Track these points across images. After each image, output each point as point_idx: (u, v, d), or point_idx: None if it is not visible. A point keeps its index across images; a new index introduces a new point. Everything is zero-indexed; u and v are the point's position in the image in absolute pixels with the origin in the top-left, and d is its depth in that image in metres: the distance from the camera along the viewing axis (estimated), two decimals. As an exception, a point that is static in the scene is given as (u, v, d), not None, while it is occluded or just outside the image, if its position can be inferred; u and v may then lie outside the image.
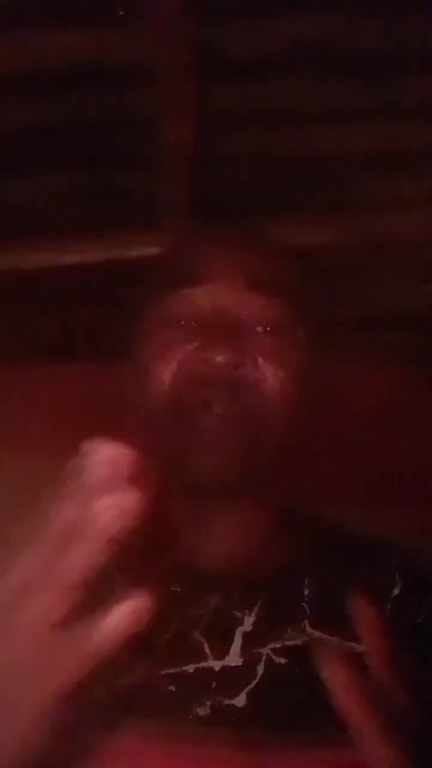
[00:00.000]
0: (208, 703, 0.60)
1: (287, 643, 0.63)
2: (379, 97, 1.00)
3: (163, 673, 0.61)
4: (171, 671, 0.61)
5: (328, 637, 0.64)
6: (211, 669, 0.62)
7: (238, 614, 0.65)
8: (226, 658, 0.62)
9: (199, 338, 0.68)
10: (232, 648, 0.63)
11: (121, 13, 0.88)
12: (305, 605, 0.66)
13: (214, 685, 0.61)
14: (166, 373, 0.69)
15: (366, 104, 1.01)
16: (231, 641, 0.63)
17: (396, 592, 0.68)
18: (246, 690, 0.60)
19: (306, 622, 0.65)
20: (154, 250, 1.06)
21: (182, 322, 0.70)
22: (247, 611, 0.65)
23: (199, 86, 0.94)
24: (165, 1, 0.85)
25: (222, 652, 0.62)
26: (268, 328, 0.69)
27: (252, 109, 1.00)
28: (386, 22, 0.93)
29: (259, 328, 0.69)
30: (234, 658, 0.62)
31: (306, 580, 0.68)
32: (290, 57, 0.95)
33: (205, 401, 0.67)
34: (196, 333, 0.69)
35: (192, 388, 0.67)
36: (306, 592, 0.67)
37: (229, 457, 0.66)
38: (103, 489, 0.43)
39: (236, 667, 0.62)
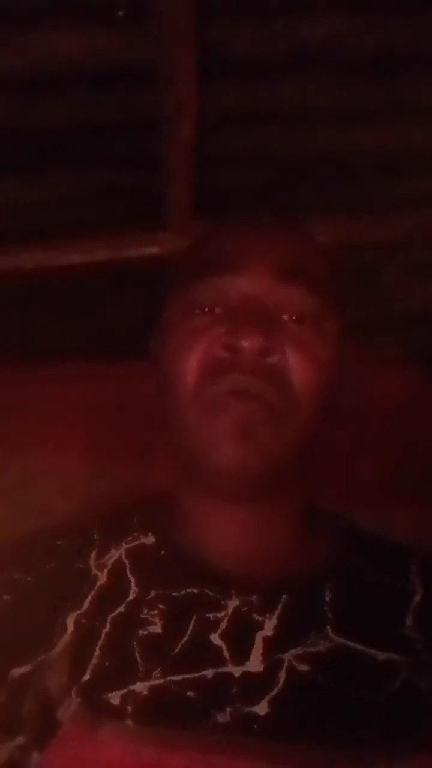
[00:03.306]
0: (229, 710, 0.58)
1: (309, 649, 0.61)
2: (381, 97, 1.01)
3: (180, 678, 0.60)
4: (189, 676, 0.60)
5: (352, 644, 0.62)
6: (230, 675, 0.60)
7: (259, 618, 0.63)
8: (247, 663, 0.60)
9: (226, 325, 0.66)
10: (252, 653, 0.61)
11: (121, 13, 0.87)
12: (327, 610, 0.64)
13: (234, 691, 0.59)
14: (191, 360, 0.67)
15: (368, 105, 1.01)
16: (251, 646, 0.61)
17: (417, 599, 0.67)
18: (267, 697, 0.59)
19: (328, 627, 0.63)
20: (157, 250, 1.06)
21: (209, 310, 0.68)
22: (267, 615, 0.63)
23: (202, 86, 0.94)
24: (168, 2, 0.85)
25: (242, 658, 0.61)
26: (297, 318, 0.68)
27: (255, 109, 1.00)
28: (388, 23, 0.93)
29: (287, 317, 0.68)
30: (255, 663, 0.60)
31: (328, 584, 0.66)
32: (293, 58, 0.95)
33: (231, 389, 0.65)
34: (223, 320, 0.67)
35: (218, 375, 0.65)
36: (328, 597, 0.65)
37: (254, 448, 0.64)
38: None
39: (257, 673, 0.60)
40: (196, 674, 0.60)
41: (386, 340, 1.27)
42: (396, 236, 1.15)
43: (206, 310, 0.68)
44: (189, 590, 0.65)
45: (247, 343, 0.64)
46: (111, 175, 1.05)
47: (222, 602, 0.64)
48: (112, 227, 1.10)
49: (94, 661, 0.62)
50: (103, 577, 0.67)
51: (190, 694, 0.59)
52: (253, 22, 0.92)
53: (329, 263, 0.74)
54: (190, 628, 0.63)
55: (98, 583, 0.67)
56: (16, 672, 0.63)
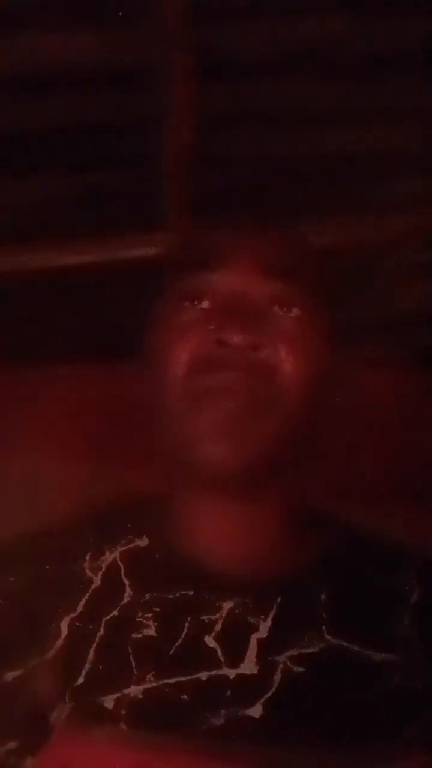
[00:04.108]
0: (223, 713, 0.58)
1: (304, 650, 0.61)
2: (377, 98, 1.01)
3: (174, 681, 0.60)
4: (183, 679, 0.60)
5: (347, 645, 0.62)
6: (225, 677, 0.60)
7: (253, 620, 0.63)
8: (241, 665, 0.60)
9: (215, 320, 0.66)
10: (247, 655, 0.61)
11: (121, 13, 0.87)
12: (323, 611, 0.64)
13: (228, 694, 0.59)
14: (181, 356, 0.67)
15: (365, 105, 1.01)
16: (246, 648, 0.61)
17: (414, 598, 0.67)
18: (262, 700, 0.59)
19: (324, 628, 0.63)
20: (154, 251, 1.06)
21: (198, 306, 0.69)
22: (262, 617, 0.63)
23: (200, 87, 0.94)
24: (166, 3, 0.85)
25: (236, 660, 0.60)
26: (286, 313, 0.68)
27: (252, 110, 1.00)
28: (385, 23, 0.93)
29: (279, 312, 0.68)
30: (249, 665, 0.60)
31: (323, 584, 0.66)
32: (290, 58, 0.95)
33: (219, 385, 0.65)
34: (212, 315, 0.67)
35: (206, 370, 0.65)
36: (323, 598, 0.65)
37: (238, 444, 0.64)
38: None
39: (252, 675, 0.60)
40: (191, 677, 0.60)
41: (384, 340, 1.27)
42: (394, 237, 1.15)
43: (195, 305, 0.69)
44: (183, 592, 0.65)
45: (236, 339, 0.65)
46: (108, 175, 1.05)
47: (216, 604, 0.64)
48: (110, 228, 1.09)
49: (88, 665, 0.61)
50: (97, 580, 0.67)
51: (184, 696, 0.59)
52: (251, 22, 0.92)
53: (319, 261, 0.75)
54: (185, 630, 0.63)
55: (92, 587, 0.66)
56: (9, 676, 0.62)
